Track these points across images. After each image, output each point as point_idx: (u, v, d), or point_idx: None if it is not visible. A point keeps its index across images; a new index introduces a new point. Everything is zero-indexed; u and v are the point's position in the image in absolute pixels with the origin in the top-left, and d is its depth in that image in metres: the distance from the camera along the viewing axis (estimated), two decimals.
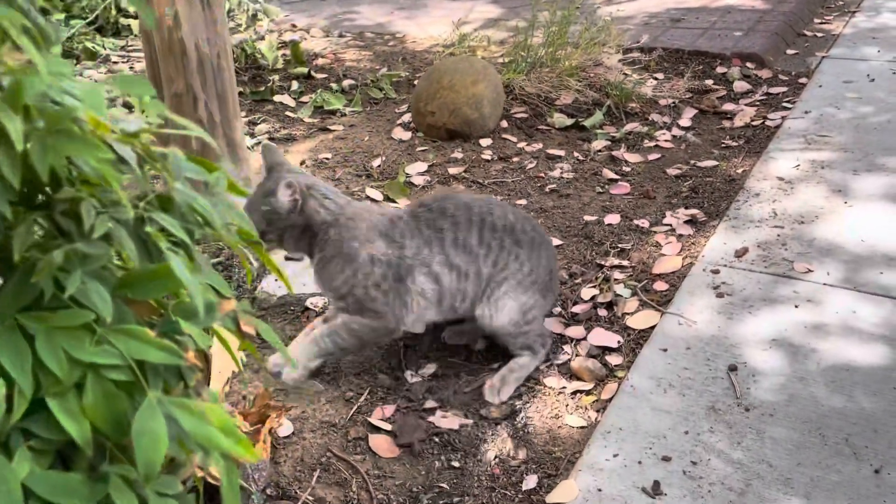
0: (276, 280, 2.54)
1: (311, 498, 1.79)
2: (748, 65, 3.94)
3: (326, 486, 1.84)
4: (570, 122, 3.57)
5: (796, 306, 2.24)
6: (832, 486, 1.69)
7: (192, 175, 0.85)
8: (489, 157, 3.36)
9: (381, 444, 1.95)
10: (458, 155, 3.39)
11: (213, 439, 0.81)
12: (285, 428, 1.99)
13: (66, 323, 0.75)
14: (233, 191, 0.94)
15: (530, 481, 1.82)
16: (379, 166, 3.33)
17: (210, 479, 1.65)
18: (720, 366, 2.06)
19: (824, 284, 2.31)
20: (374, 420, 2.02)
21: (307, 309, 2.45)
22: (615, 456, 1.84)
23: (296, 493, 1.80)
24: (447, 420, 2.01)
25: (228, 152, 2.99)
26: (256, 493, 1.69)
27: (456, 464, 1.88)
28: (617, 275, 2.49)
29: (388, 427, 2.00)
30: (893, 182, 2.78)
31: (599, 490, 1.75)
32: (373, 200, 3.07)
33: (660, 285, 2.43)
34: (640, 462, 1.81)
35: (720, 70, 3.95)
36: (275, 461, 1.90)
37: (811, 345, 2.09)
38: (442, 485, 1.82)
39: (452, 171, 3.26)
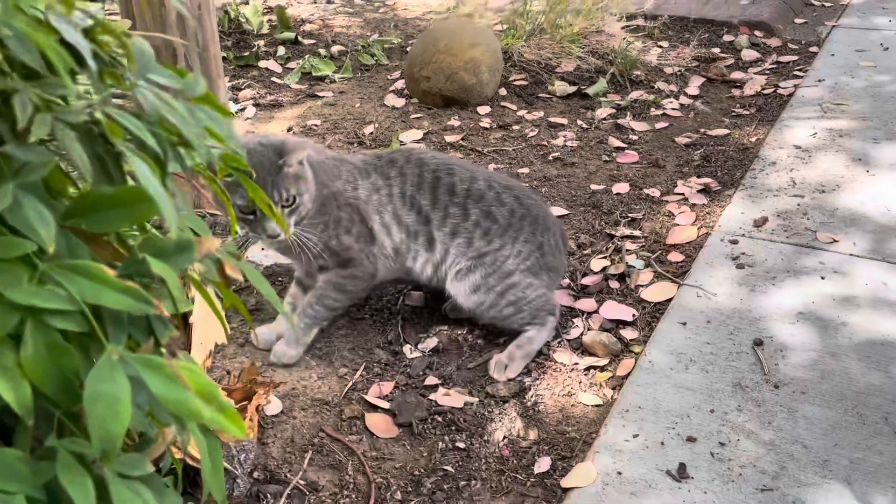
0: (262, 249, 2.36)
1: (302, 482, 1.62)
2: (756, 33, 3.79)
3: (319, 468, 1.67)
4: (572, 89, 3.40)
5: (822, 278, 2.09)
6: (874, 468, 1.55)
7: (161, 78, 0.67)
8: (488, 125, 3.19)
9: (379, 424, 1.79)
10: (454, 122, 3.21)
11: (190, 408, 0.63)
12: (273, 406, 1.82)
13: None
14: (214, 106, 0.76)
15: (543, 464, 1.66)
16: (371, 133, 3.14)
17: (191, 461, 1.48)
18: (745, 340, 1.91)
19: (851, 255, 2.16)
20: (371, 398, 1.86)
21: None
22: (635, 436, 1.68)
23: (286, 476, 1.63)
24: (450, 398, 1.85)
25: None
26: (242, 477, 1.52)
27: (461, 445, 1.72)
28: (628, 245, 2.33)
29: (385, 405, 1.84)
30: None
31: (619, 473, 1.59)
32: None
33: (675, 256, 2.27)
34: (662, 443, 1.66)
35: (727, 38, 3.79)
36: (262, 442, 1.72)
37: (841, 318, 1.95)
38: (446, 467, 1.66)
39: (449, 138, 3.08)
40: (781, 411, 1.71)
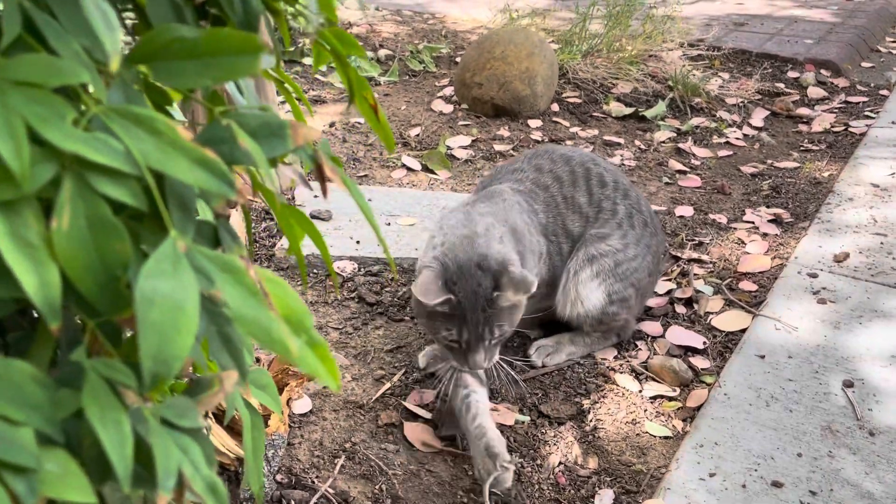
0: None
1: (331, 490, 1.42)
2: (823, 72, 3.63)
3: (350, 478, 1.46)
4: (628, 111, 3.24)
5: None
6: None
7: None
8: (539, 138, 3.02)
9: (419, 435, 1.58)
10: (504, 133, 3.04)
11: (274, 335, 0.45)
12: (302, 404, 1.62)
13: (32, 76, 0.39)
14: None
15: (605, 497, 1.45)
16: (417, 135, 2.98)
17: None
18: (832, 381, 1.70)
19: None
20: (410, 405, 1.66)
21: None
22: (712, 475, 1.47)
23: (313, 482, 1.43)
24: (499, 414, 1.64)
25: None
26: (268, 477, 1.32)
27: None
28: (696, 269, 2.14)
29: (426, 415, 1.64)
30: None
31: None
32: (410, 169, 2.72)
33: (747, 285, 2.07)
34: (744, 486, 1.45)
35: (792, 74, 3.64)
36: (288, 442, 1.52)
37: None
38: (494, 490, 1.45)
39: (499, 147, 2.91)
40: (880, 462, 1.49)
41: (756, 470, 1.48)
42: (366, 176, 2.66)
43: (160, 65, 0.47)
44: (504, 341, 1.57)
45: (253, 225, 2.24)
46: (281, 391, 1.45)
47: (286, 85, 0.72)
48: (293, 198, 2.39)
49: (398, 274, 2.10)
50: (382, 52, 3.87)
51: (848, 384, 1.70)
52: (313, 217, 2.28)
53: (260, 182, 0.50)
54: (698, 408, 1.65)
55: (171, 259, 0.42)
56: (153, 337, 0.40)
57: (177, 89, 0.53)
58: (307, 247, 2.18)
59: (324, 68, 3.70)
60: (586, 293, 1.75)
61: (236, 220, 1.73)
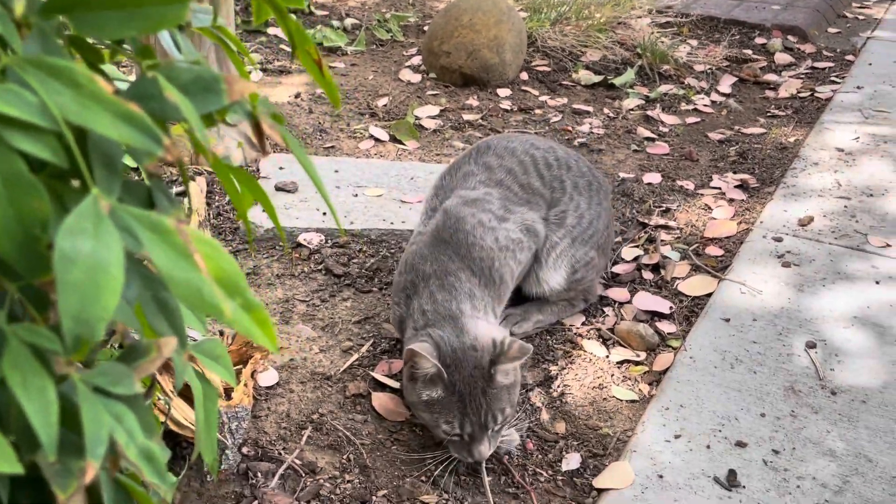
0: (263, 210, 2.14)
1: (298, 461, 1.41)
2: (790, 38, 3.64)
3: (318, 448, 1.46)
4: (597, 79, 3.22)
5: (877, 282, 1.91)
6: None
7: None
8: (508, 108, 3.00)
9: (387, 404, 1.58)
10: (473, 102, 3.02)
11: (206, 297, 0.43)
12: (268, 377, 1.61)
13: None
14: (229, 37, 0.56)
15: (572, 461, 1.46)
16: (385, 106, 2.95)
17: (174, 427, 1.27)
18: (796, 342, 1.73)
19: None
20: (378, 375, 1.65)
21: (299, 245, 2.06)
22: (677, 437, 1.49)
23: (279, 454, 1.42)
24: None
25: None
26: (232, 449, 1.31)
27: None
28: (663, 236, 2.15)
29: (395, 384, 1.63)
30: None
31: (661, 476, 1.40)
32: (377, 140, 2.69)
33: (713, 250, 2.09)
34: (708, 446, 1.47)
35: (759, 41, 3.64)
36: (254, 415, 1.51)
37: None
38: (483, 483, 1.45)
39: (467, 117, 2.89)
40: (841, 420, 1.52)
41: (720, 430, 1.50)
42: (333, 147, 2.63)
43: (81, 15, 0.45)
44: (506, 426, 1.45)
45: (217, 198, 2.20)
46: (245, 364, 1.43)
47: (229, 43, 0.70)
48: (258, 170, 2.36)
49: (365, 245, 2.08)
50: (349, 21, 3.81)
51: (811, 345, 1.72)
52: (279, 189, 2.24)
53: (201, 143, 0.48)
54: (664, 371, 1.67)
55: (92, 217, 0.40)
56: (74, 297, 0.38)
57: (102, 41, 0.50)
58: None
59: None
60: (549, 276, 1.76)
61: (195, 191, 1.69)
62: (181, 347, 0.53)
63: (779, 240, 2.09)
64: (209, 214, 2.15)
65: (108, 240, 0.40)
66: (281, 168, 2.36)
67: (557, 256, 1.75)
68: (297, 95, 2.98)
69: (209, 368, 0.84)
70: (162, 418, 1.18)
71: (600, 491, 1.39)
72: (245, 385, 1.36)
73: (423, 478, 1.42)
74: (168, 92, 0.44)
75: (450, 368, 1.38)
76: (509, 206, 1.69)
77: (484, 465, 1.41)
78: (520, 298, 1.84)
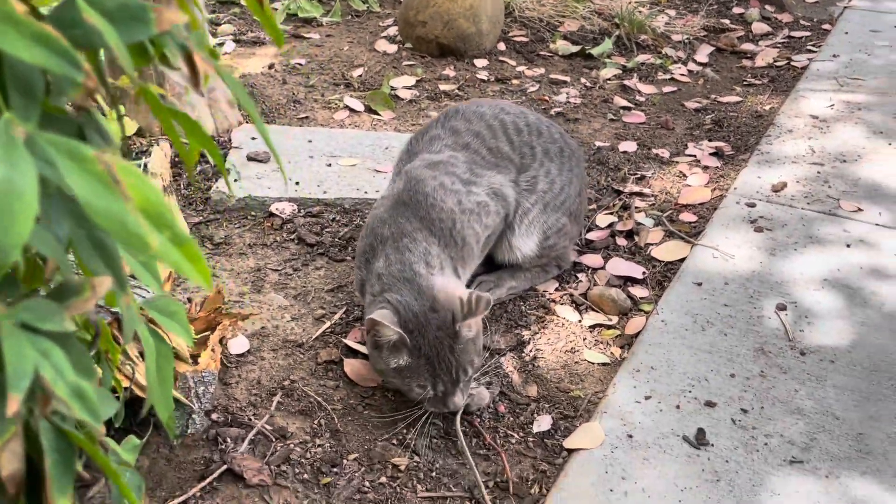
0: (235, 180, 2.12)
1: (268, 427, 1.41)
2: (767, 7, 3.63)
3: (289, 414, 1.45)
4: (575, 49, 3.20)
5: (848, 246, 1.92)
6: None
7: None
8: (485, 78, 2.97)
9: (359, 370, 1.58)
10: (449, 72, 2.99)
11: (130, 228, 0.42)
12: (239, 344, 1.60)
13: None
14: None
15: (543, 422, 1.47)
16: (360, 76, 2.91)
17: (139, 391, 1.25)
18: (766, 305, 1.74)
19: (877, 225, 2.00)
20: (350, 342, 1.65)
21: (272, 215, 2.04)
22: (647, 398, 1.50)
23: (250, 419, 1.42)
24: None
25: None
26: (199, 413, 1.30)
27: None
28: (637, 202, 2.15)
29: (366, 351, 1.62)
30: None
31: (630, 436, 1.41)
32: (352, 111, 2.66)
33: (687, 216, 2.09)
34: (678, 406, 1.48)
35: (737, 10, 3.63)
36: (225, 382, 1.50)
37: (870, 288, 1.78)
38: (435, 421, 1.46)
39: (444, 87, 2.86)
40: (809, 380, 1.54)
41: (690, 391, 1.51)
42: (307, 118, 2.60)
43: None
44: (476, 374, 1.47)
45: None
46: (213, 330, 1.42)
47: None
48: (230, 140, 2.33)
49: (339, 214, 2.07)
50: None
51: (781, 307, 1.73)
52: (251, 159, 2.22)
53: (132, 75, 0.46)
54: (636, 335, 1.67)
55: (3, 142, 0.39)
56: None
57: None
58: (246, 189, 2.10)
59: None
60: (521, 243, 1.76)
61: (158, 155, 1.67)
62: (120, 289, 0.52)
63: (752, 205, 2.10)
64: (180, 184, 2.13)
65: (21, 165, 0.38)
66: (253, 138, 2.33)
67: (530, 223, 1.74)
68: (271, 66, 2.94)
69: (164, 325, 0.82)
70: (126, 383, 1.17)
71: (570, 451, 1.40)
72: (213, 350, 1.35)
73: (395, 441, 1.42)
74: (87, 15, 0.43)
75: (413, 333, 1.38)
76: (476, 170, 1.68)
77: (459, 421, 1.42)
78: (493, 266, 1.84)
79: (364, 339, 1.66)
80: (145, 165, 1.67)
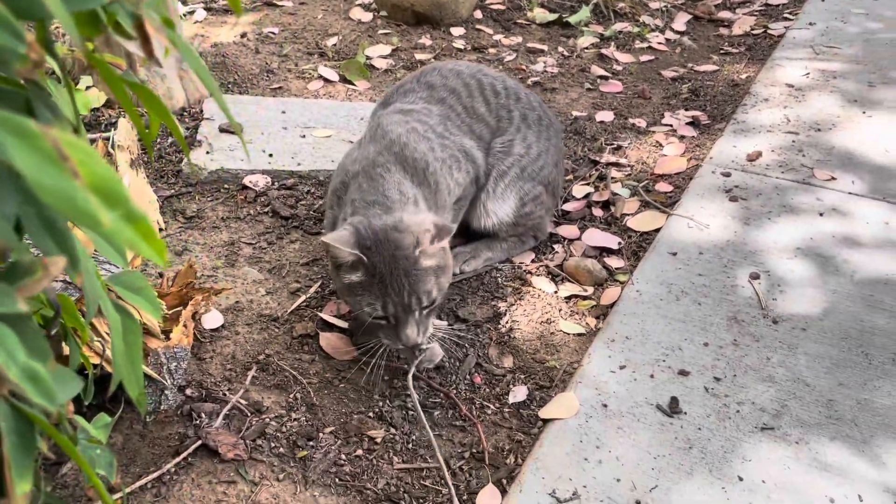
0: (207, 152, 2.09)
1: (243, 401, 1.40)
2: None
3: (264, 388, 1.45)
4: (552, 17, 3.17)
5: (821, 214, 1.94)
6: (883, 409, 1.41)
7: None
8: (462, 47, 2.94)
9: (334, 344, 1.57)
10: (425, 41, 2.95)
11: (80, 205, 0.41)
12: (213, 319, 1.59)
13: None
14: None
15: (519, 393, 1.48)
16: (335, 45, 2.87)
17: (109, 367, 1.24)
18: (740, 274, 1.75)
19: (850, 194, 2.02)
20: (326, 315, 1.64)
21: (245, 188, 2.02)
22: (622, 368, 1.51)
23: (224, 394, 1.41)
24: None
25: None
26: (172, 389, 1.29)
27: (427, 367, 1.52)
28: (614, 173, 2.14)
29: (342, 324, 1.62)
30: None
31: (605, 406, 1.42)
32: (327, 80, 2.62)
33: (663, 186, 2.09)
34: (652, 376, 1.49)
35: None
36: (199, 357, 1.49)
37: (842, 256, 1.80)
38: (409, 393, 1.46)
39: (420, 56, 2.83)
40: (781, 347, 1.55)
41: (664, 360, 1.53)
42: (280, 88, 2.56)
43: None
44: (435, 311, 1.45)
45: (159, 140, 2.14)
46: (186, 305, 1.41)
47: None
48: (201, 111, 2.29)
49: (313, 187, 2.04)
50: None
51: (755, 276, 1.74)
52: (223, 131, 2.18)
53: (82, 45, 0.45)
54: (611, 305, 1.68)
55: None
56: None
57: None
58: (218, 161, 2.07)
59: None
60: (497, 207, 1.75)
61: (124, 127, 1.63)
62: (73, 269, 0.51)
63: (727, 175, 2.10)
64: (152, 157, 2.09)
65: None
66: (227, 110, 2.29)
67: (506, 186, 1.74)
68: (244, 35, 2.89)
69: (130, 301, 0.81)
70: (96, 360, 1.15)
71: (546, 421, 1.41)
72: (185, 326, 1.34)
73: (371, 414, 1.42)
74: None
75: (370, 251, 1.34)
76: (449, 127, 1.67)
77: (411, 378, 1.42)
78: (470, 237, 1.83)
79: (339, 313, 1.65)
80: (112, 138, 1.63)
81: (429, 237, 1.36)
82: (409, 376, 1.43)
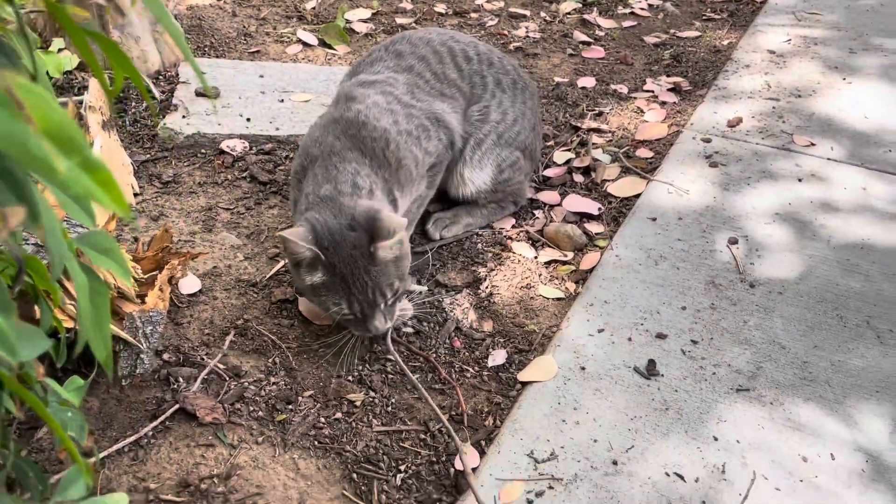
0: (183, 116, 2.05)
1: (221, 366, 1.39)
2: None
3: (242, 353, 1.44)
4: None
5: (799, 180, 1.95)
6: (856, 371, 1.43)
7: None
8: (443, 11, 2.90)
9: (314, 309, 1.56)
10: (407, 5, 2.91)
11: (33, 152, 0.39)
12: (191, 284, 1.57)
13: None
14: None
15: (498, 357, 1.48)
16: (313, 9, 2.82)
17: None
18: (719, 238, 1.76)
19: (829, 159, 2.02)
20: None
21: (222, 152, 1.99)
22: (600, 331, 1.52)
23: (202, 359, 1.40)
24: None
25: None
26: (147, 353, 1.28)
27: (407, 331, 1.52)
28: (595, 139, 2.14)
29: None
30: (893, 63, 2.51)
31: (583, 368, 1.43)
32: (306, 45, 2.58)
33: (644, 152, 2.09)
34: (630, 339, 1.50)
35: None
36: (176, 322, 1.48)
37: (819, 221, 1.81)
38: (388, 357, 1.46)
39: (401, 20, 2.79)
40: (758, 311, 1.57)
41: (642, 324, 1.54)
42: (258, 52, 2.51)
43: None
44: (401, 298, 1.46)
45: (133, 104, 2.10)
46: (162, 269, 1.39)
47: None
48: (177, 74, 2.24)
49: (292, 152, 2.02)
50: None
51: (733, 241, 1.75)
52: (199, 94, 2.15)
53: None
54: (591, 270, 1.69)
55: None
56: None
57: None
58: (194, 125, 2.04)
59: None
60: (474, 175, 1.74)
61: (96, 87, 1.60)
62: (33, 221, 0.49)
63: (707, 141, 2.10)
64: (125, 121, 2.05)
65: None
66: (203, 73, 2.25)
67: (483, 154, 1.73)
68: None
69: (97, 262, 0.80)
70: (70, 323, 1.14)
71: (524, 384, 1.41)
72: (161, 290, 1.33)
73: (351, 378, 1.42)
74: None
75: (328, 251, 1.34)
76: (418, 94, 1.64)
77: (389, 339, 1.44)
78: (449, 203, 1.82)
79: None
80: (84, 101, 1.60)
81: (384, 232, 1.35)
82: (388, 339, 1.43)
